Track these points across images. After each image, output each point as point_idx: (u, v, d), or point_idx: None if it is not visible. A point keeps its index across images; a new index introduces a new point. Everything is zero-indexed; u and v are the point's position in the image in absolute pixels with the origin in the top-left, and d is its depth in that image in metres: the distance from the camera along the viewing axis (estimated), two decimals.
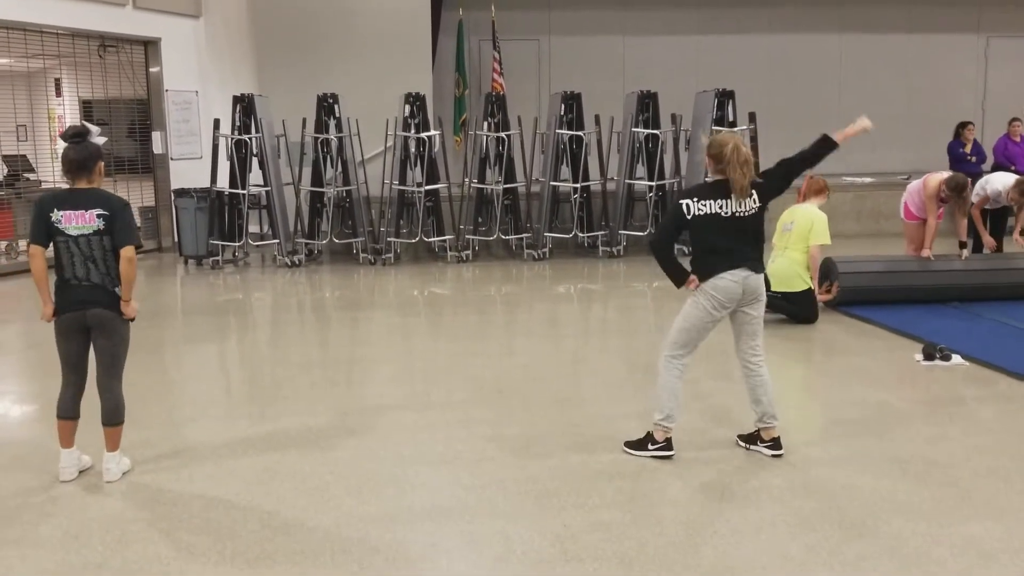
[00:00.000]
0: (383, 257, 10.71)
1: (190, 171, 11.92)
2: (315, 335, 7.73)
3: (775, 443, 4.36)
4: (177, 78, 11.89)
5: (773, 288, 6.92)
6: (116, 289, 4.04)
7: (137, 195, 12.34)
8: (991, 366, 5.92)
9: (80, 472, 4.16)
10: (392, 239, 10.78)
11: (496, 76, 13.16)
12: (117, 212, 4.02)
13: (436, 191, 10.94)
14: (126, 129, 12.65)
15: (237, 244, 10.83)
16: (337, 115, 10.78)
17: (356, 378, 6.12)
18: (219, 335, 7.58)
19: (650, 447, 4.31)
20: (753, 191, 4.14)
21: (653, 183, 10.93)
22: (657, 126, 11.03)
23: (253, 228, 11.29)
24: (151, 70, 11.83)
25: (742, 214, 4.14)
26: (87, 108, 14.04)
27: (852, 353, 6.46)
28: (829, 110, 14.22)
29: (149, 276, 10.65)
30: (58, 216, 3.96)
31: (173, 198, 10.92)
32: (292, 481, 4.15)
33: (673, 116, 11.06)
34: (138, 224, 12.30)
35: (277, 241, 10.76)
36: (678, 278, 4.30)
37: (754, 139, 10.92)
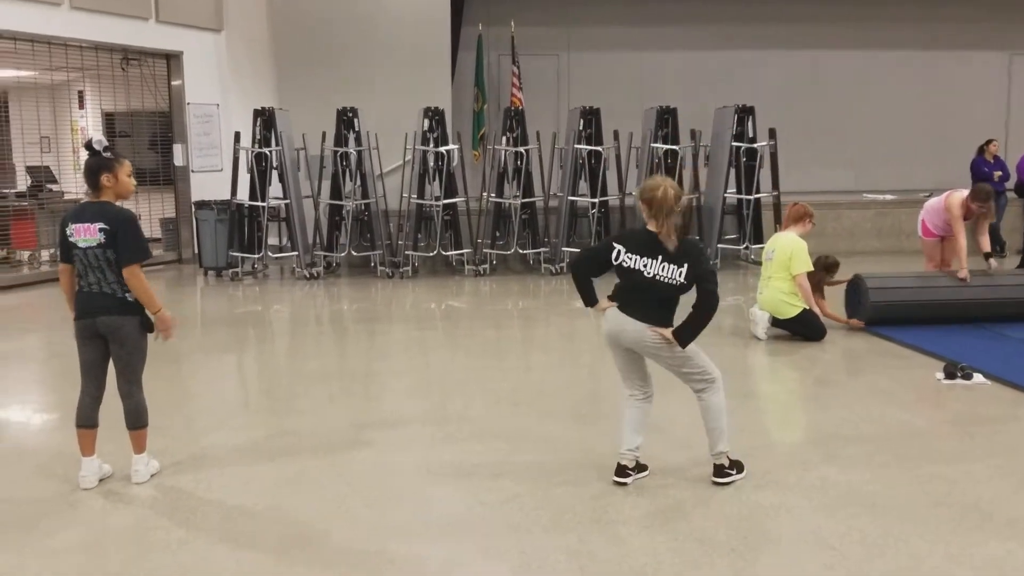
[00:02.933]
0: (401, 270, 10.75)
1: (210, 183, 12.02)
2: (332, 347, 7.76)
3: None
4: (198, 91, 12.02)
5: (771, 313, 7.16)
6: (127, 296, 4.09)
7: (158, 206, 12.48)
8: (1014, 386, 5.85)
9: (101, 480, 4.19)
10: (410, 252, 10.81)
11: (515, 91, 13.21)
12: (119, 226, 4.06)
13: (454, 205, 10.97)
14: (147, 141, 12.80)
15: (256, 256, 10.90)
16: (356, 129, 10.84)
17: (373, 391, 6.13)
18: (237, 346, 7.63)
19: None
20: (686, 264, 3.96)
21: None
22: (676, 141, 11.03)
23: (272, 240, 11.37)
24: (173, 83, 11.96)
25: (664, 279, 3.98)
26: (109, 120, 14.22)
27: (872, 371, 6.40)
28: (850, 127, 14.23)
29: (169, 287, 10.72)
30: (71, 230, 4.06)
31: (193, 210, 10.99)
32: (310, 492, 4.16)
33: (692, 132, 11.06)
34: (148, 235, 12.47)
35: (296, 253, 10.82)
36: (587, 300, 4.26)
37: (774, 155, 10.91)
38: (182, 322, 8.56)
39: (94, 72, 12.09)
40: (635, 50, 13.97)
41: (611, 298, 4.19)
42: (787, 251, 7.08)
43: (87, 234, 4.02)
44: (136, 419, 4.20)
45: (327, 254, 11.09)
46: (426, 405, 5.66)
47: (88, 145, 4.08)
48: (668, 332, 4.03)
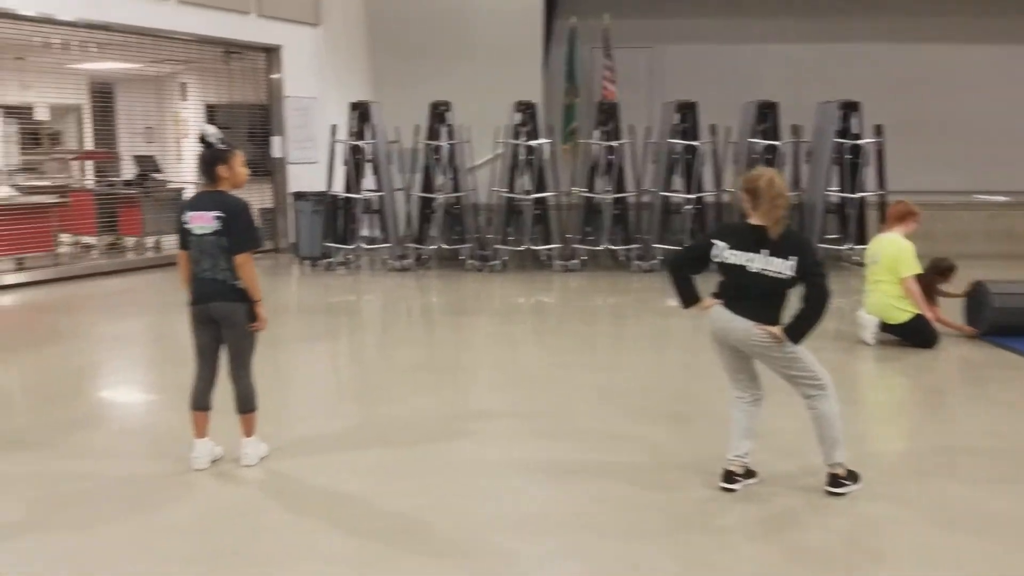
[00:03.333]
0: (490, 264, 10.74)
1: (306, 175, 12.24)
2: (422, 338, 7.79)
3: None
4: (296, 84, 12.25)
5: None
6: (237, 283, 4.15)
7: (257, 197, 12.78)
8: None
9: (213, 461, 4.29)
10: (499, 246, 10.80)
11: (607, 84, 13.05)
12: (234, 215, 4.15)
13: (544, 199, 10.91)
14: (246, 133, 13.11)
15: (350, 247, 11.05)
16: (449, 122, 10.87)
17: (464, 383, 6.10)
18: (331, 334, 7.74)
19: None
20: (794, 258, 3.80)
21: None
22: (776, 137, 10.72)
23: (364, 232, 11.50)
24: (272, 76, 12.22)
25: (770, 274, 3.82)
26: (210, 112, 14.65)
27: (991, 382, 6.07)
28: (960, 125, 13.57)
29: (266, 276, 10.97)
30: (187, 217, 4.15)
31: (291, 201, 11.20)
32: (407, 481, 4.17)
33: (794, 127, 10.73)
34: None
35: (388, 245, 10.93)
36: (686, 299, 4.12)
37: (881, 153, 10.51)
38: (280, 310, 8.77)
39: (197, 65, 12.46)
40: (732, 43, 13.64)
41: (716, 296, 4.06)
42: (892, 253, 6.76)
43: (202, 222, 4.11)
44: (245, 403, 4.28)
45: (417, 247, 11.16)
46: (518, 400, 5.62)
47: (203, 137, 4.16)
48: (777, 330, 3.88)
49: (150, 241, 11.96)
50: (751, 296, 3.91)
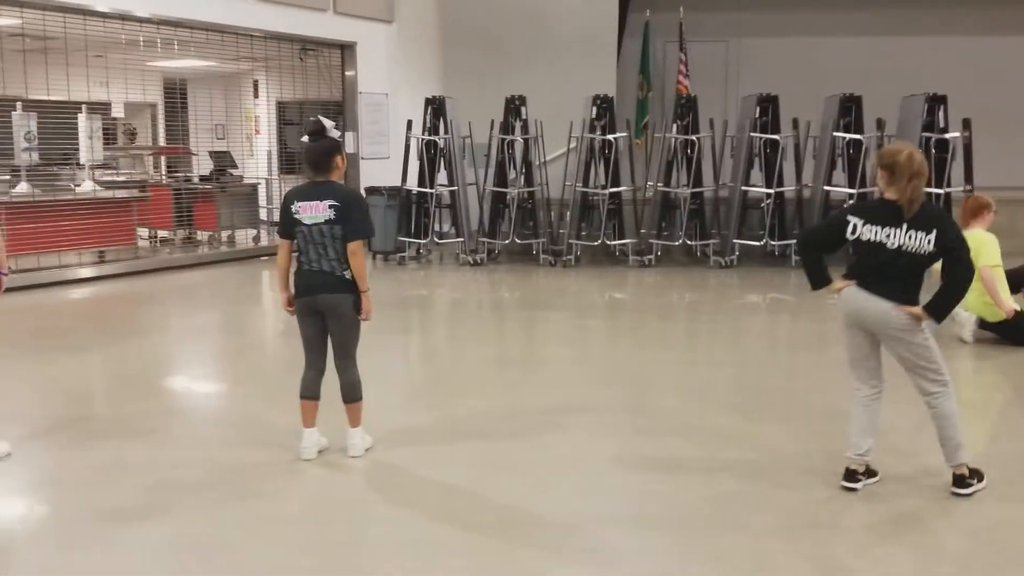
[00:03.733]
0: (564, 259, 10.65)
1: (378, 170, 12.29)
2: (504, 332, 7.73)
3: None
4: (369, 81, 12.30)
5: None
6: (345, 273, 4.13)
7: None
8: None
9: (319, 451, 4.27)
10: (573, 241, 10.70)
11: (681, 78, 12.87)
12: (349, 203, 4.13)
13: (619, 194, 10.78)
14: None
15: (423, 241, 11.05)
16: (524, 117, 10.80)
17: (552, 377, 5.97)
18: (412, 327, 7.76)
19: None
20: (935, 231, 3.63)
21: (854, 191, 10.34)
22: (860, 131, 10.43)
23: (436, 227, 11.49)
24: (347, 73, 12.27)
25: (911, 249, 3.66)
26: (282, 109, 14.82)
27: None
28: None
29: None
30: (296, 207, 4.11)
31: (365, 195, 11.24)
32: (514, 474, 4.10)
33: (878, 121, 10.41)
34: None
35: (460, 240, 10.90)
36: (816, 281, 3.95)
37: (968, 147, 10.14)
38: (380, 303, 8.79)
39: (274, 62, 12.57)
40: (808, 35, 13.32)
41: (848, 276, 3.90)
42: (975, 247, 6.48)
43: (315, 211, 4.08)
44: (352, 392, 4.25)
45: (490, 241, 11.12)
46: (610, 395, 5.50)
47: (317, 128, 4.13)
48: (918, 309, 3.72)
49: (224, 235, 12.13)
50: (889, 275, 3.75)
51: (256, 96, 15.02)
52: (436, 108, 10.75)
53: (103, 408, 5.30)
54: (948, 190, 10.25)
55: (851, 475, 3.90)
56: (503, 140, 10.82)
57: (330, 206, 4.07)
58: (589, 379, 5.91)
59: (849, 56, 13.07)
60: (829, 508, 3.74)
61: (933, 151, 10.21)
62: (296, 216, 4.12)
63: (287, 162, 13.61)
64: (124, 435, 4.65)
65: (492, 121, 10.66)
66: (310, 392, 4.24)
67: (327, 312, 4.16)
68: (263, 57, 12.40)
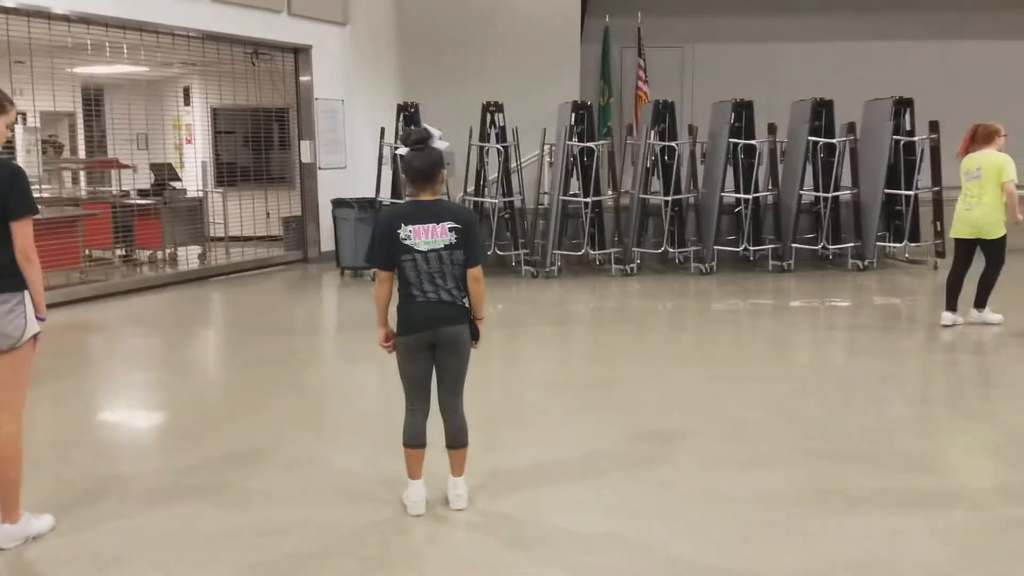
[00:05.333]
0: (546, 270, 10.34)
1: (334, 180, 11.69)
2: (531, 351, 7.33)
3: None
4: (324, 86, 11.68)
5: (970, 236, 7.06)
6: (465, 302, 3.71)
7: (281, 204, 12.15)
8: None
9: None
10: (556, 251, 10.40)
11: (641, 84, 12.78)
12: (469, 226, 3.70)
13: (600, 202, 10.56)
14: (263, 139, 12.49)
15: None
16: (501, 124, 10.44)
17: (619, 401, 5.61)
18: None
19: None
20: None
21: (828, 195, 10.45)
22: (832, 135, 10.54)
23: None
24: (302, 79, 11.61)
25: None
26: (216, 116, 13.94)
27: None
28: (1006, 122, 13.50)
29: (310, 287, 10.44)
30: (407, 232, 3.63)
31: (332, 208, 10.64)
32: (656, 519, 3.72)
33: (850, 125, 10.55)
34: (266, 234, 12.17)
35: None
36: None
37: (936, 149, 10.39)
38: (361, 326, 8.21)
39: (213, 67, 11.77)
40: (765, 41, 13.47)
41: None
42: (997, 163, 6.94)
43: (433, 235, 3.63)
44: (462, 436, 3.82)
45: None
46: (683, 418, 5.20)
47: (423, 137, 3.66)
48: None
49: (166, 253, 11.32)
50: None
51: (187, 103, 14.09)
52: (409, 115, 10.27)
53: (150, 463, 4.62)
54: (916, 191, 10.48)
55: None
56: (481, 148, 10.42)
57: (450, 229, 3.64)
58: (647, 402, 5.60)
59: (806, 61, 13.27)
60: None
61: (903, 154, 10.43)
62: (406, 242, 3.65)
63: (228, 175, 12.79)
64: (188, 495, 4.05)
65: (471, 128, 10.24)
66: (420, 440, 3.78)
67: (446, 346, 3.71)
68: (198, 61, 11.59)
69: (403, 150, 3.71)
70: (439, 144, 3.68)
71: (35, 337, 3.50)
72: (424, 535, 3.63)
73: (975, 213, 7.02)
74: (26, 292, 3.45)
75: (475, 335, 3.79)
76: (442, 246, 3.63)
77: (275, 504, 3.95)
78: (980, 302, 7.29)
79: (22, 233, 3.40)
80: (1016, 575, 3.22)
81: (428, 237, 3.63)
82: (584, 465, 4.37)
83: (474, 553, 3.47)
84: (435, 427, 3.82)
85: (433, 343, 3.71)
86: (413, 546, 3.54)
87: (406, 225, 3.65)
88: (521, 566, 3.36)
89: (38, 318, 3.53)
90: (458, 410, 3.82)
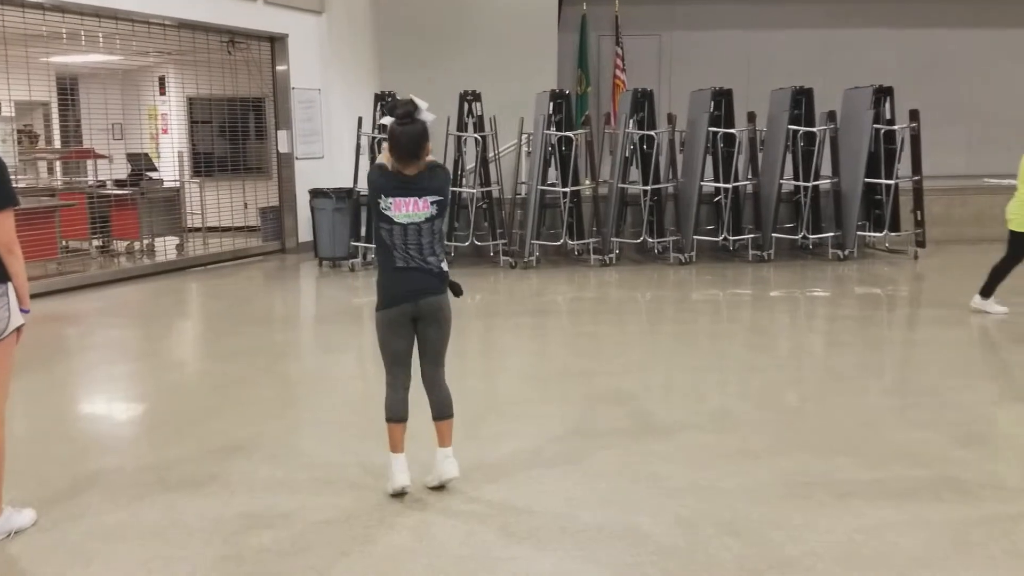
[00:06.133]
0: (526, 260, 10.32)
1: (312, 171, 11.58)
2: (522, 343, 7.30)
3: None
4: (300, 75, 11.55)
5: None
6: (444, 266, 3.74)
7: (258, 194, 12.02)
8: None
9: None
10: (534, 241, 10.38)
11: (619, 72, 12.76)
12: (447, 192, 3.73)
13: (578, 192, 10.55)
14: (239, 128, 12.34)
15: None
16: (479, 113, 10.39)
17: (595, 394, 5.65)
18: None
19: None
20: None
21: (808, 184, 10.50)
22: (812, 123, 10.59)
23: None
24: (278, 68, 11.48)
25: None
26: (192, 105, 13.76)
27: None
28: (974, 110, 13.63)
29: (288, 278, 10.36)
30: (387, 203, 3.61)
31: (310, 199, 10.55)
32: (647, 503, 3.74)
33: (831, 113, 10.60)
34: (243, 224, 12.05)
35: None
36: None
37: (916, 138, 10.46)
38: (340, 316, 8.08)
39: (189, 56, 11.60)
40: (741, 28, 13.47)
41: None
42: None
43: (415, 208, 3.61)
44: (449, 407, 3.86)
45: (446, 243, 10.63)
46: (673, 410, 5.22)
47: (408, 110, 3.58)
48: None
49: (143, 244, 11.18)
50: None
51: (163, 92, 13.90)
52: (386, 104, 10.16)
53: (132, 456, 4.55)
54: (896, 181, 10.56)
55: None
56: (459, 137, 10.36)
57: (432, 202, 3.63)
58: (630, 393, 5.57)
59: (785, 49, 13.31)
60: None
61: (883, 143, 10.49)
62: (386, 212, 3.61)
63: (205, 165, 12.64)
64: (169, 488, 4.00)
65: (448, 118, 10.18)
66: (404, 414, 3.81)
67: (427, 317, 3.70)
68: (174, 50, 11.42)
69: (387, 120, 3.66)
70: (425, 116, 3.62)
71: (19, 330, 3.45)
72: (408, 526, 3.61)
73: (1009, 205, 7.24)
74: (9, 284, 3.39)
75: (457, 291, 3.79)
76: (422, 219, 3.62)
77: (257, 495, 3.92)
78: (986, 291, 7.34)
79: (3, 226, 3.34)
80: (1006, 566, 3.24)
81: (409, 210, 3.61)
82: (569, 458, 4.36)
83: (461, 545, 3.46)
84: (416, 414, 3.80)
85: (415, 316, 3.70)
86: (398, 538, 3.51)
87: (387, 197, 3.62)
88: (510, 560, 3.35)
89: (22, 310, 3.47)
90: (441, 381, 3.85)
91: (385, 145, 3.69)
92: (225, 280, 10.20)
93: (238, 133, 12.52)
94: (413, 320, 3.72)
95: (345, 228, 10.30)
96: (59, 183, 12.44)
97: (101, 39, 10.05)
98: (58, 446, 4.67)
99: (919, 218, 10.53)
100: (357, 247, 10.30)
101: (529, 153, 11.05)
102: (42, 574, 3.27)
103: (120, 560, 3.34)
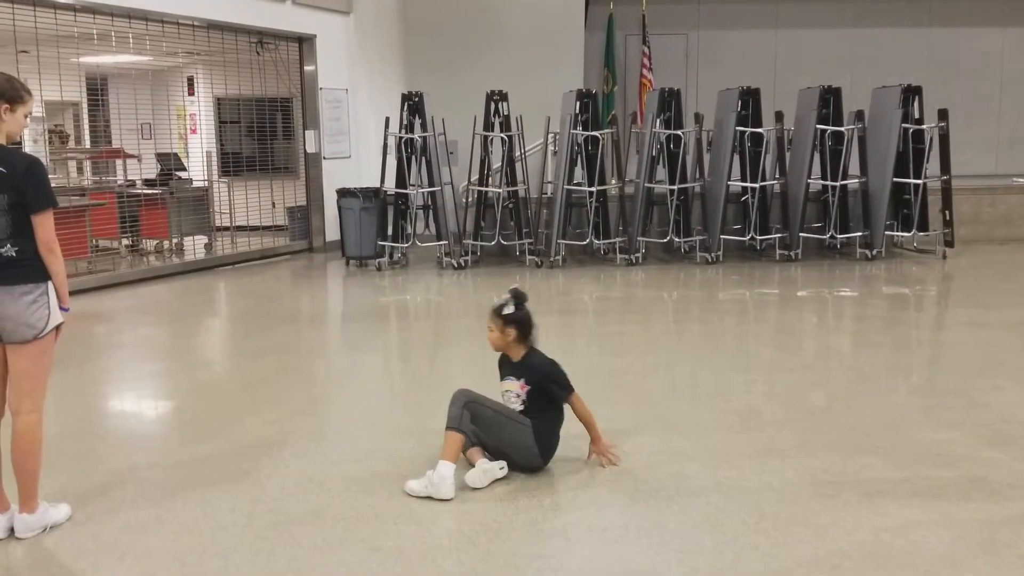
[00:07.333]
0: (551, 260, 10.33)
1: (338, 170, 11.67)
2: (569, 343, 7.26)
3: None
4: (329, 76, 11.64)
5: None
6: None
7: (286, 194, 12.12)
8: None
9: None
10: (560, 241, 10.40)
11: (645, 72, 12.74)
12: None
13: (604, 192, 10.55)
14: (268, 128, 12.46)
15: (405, 245, 10.52)
16: (506, 113, 10.41)
17: (622, 393, 5.66)
18: (462, 341, 7.26)
19: None
20: None
21: (836, 183, 10.43)
22: (840, 123, 10.51)
23: (413, 229, 10.98)
24: (306, 68, 11.58)
25: None
26: (220, 105, 13.90)
27: None
28: (1004, 109, 13.50)
29: (317, 278, 10.44)
30: None
31: (337, 198, 10.63)
32: (659, 508, 3.75)
33: (859, 112, 10.51)
34: (271, 223, 12.15)
35: (443, 243, 10.42)
36: None
37: (945, 137, 10.36)
38: (368, 315, 8.11)
39: (217, 56, 11.73)
40: (771, 27, 13.41)
41: None
42: None
43: None
44: None
45: (471, 243, 10.69)
46: (699, 410, 5.22)
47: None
48: None
49: (172, 243, 11.32)
50: None
51: (191, 93, 14.07)
52: (413, 105, 10.24)
53: (163, 452, 4.61)
54: (925, 180, 10.46)
55: None
56: (485, 138, 10.40)
57: None
58: (656, 393, 5.59)
59: (813, 48, 13.23)
60: None
61: (911, 142, 10.39)
62: None
63: (233, 164, 12.78)
64: (203, 485, 4.06)
65: (475, 118, 10.21)
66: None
67: None
68: (203, 51, 11.55)
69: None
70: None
71: (57, 328, 3.52)
72: (438, 526, 3.64)
73: None
74: (49, 283, 3.46)
75: None
76: None
77: (288, 492, 3.97)
78: None
79: (43, 226, 3.42)
80: None
81: None
82: (595, 457, 4.37)
83: (490, 542, 3.48)
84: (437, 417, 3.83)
85: None
86: (428, 537, 3.54)
87: None
88: (538, 557, 3.37)
89: (62, 308, 3.54)
90: None
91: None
92: (253, 279, 10.31)
93: (266, 133, 12.64)
94: None
95: (372, 228, 10.37)
96: (89, 182, 12.62)
97: (131, 40, 10.19)
98: (91, 442, 4.76)
99: (947, 218, 10.42)
100: (384, 246, 10.37)
101: (555, 152, 11.07)
102: (77, 568, 3.34)
103: (153, 554, 3.40)
